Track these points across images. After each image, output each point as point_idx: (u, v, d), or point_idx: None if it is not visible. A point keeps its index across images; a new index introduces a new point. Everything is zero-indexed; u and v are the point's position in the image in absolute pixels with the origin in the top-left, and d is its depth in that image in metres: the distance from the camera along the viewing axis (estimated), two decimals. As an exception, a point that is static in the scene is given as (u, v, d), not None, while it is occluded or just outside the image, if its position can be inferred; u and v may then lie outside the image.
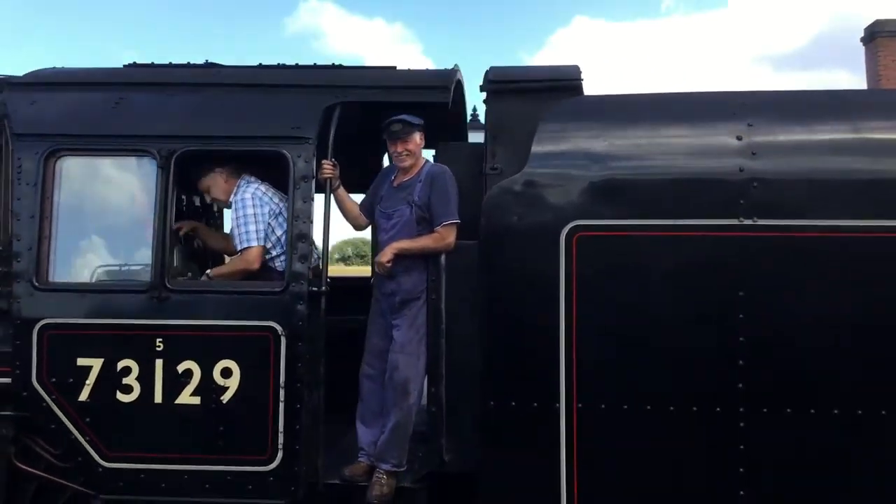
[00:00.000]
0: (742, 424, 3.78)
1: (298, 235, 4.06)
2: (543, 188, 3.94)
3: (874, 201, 3.75)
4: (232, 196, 4.21)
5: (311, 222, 4.08)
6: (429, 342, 4.04)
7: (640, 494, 3.87)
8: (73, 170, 4.20)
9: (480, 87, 4.37)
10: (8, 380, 4.07)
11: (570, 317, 3.85)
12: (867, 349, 3.74)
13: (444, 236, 4.03)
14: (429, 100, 4.34)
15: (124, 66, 4.80)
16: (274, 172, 4.24)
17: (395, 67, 4.73)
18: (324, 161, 4.14)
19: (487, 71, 4.45)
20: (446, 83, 4.42)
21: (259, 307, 4.04)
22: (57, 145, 4.18)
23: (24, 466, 4.20)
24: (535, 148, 4.00)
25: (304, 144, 4.10)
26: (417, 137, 4.19)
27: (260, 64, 4.69)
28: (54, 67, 4.70)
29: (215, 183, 4.29)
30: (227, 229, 4.96)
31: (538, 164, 3.97)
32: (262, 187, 4.24)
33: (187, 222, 4.60)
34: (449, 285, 4.06)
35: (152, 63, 4.75)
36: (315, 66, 4.63)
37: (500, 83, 4.41)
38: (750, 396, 3.78)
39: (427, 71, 4.64)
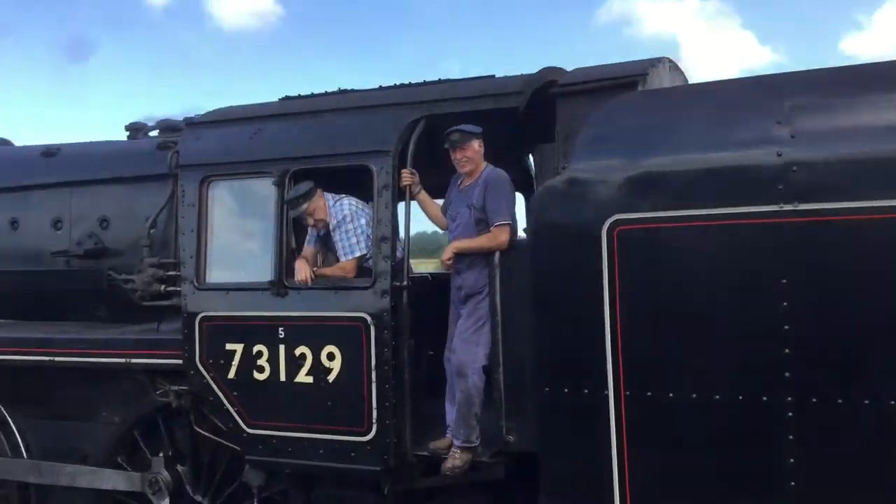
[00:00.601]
0: (790, 414, 3.72)
1: (382, 238, 4.64)
2: (584, 185, 4.14)
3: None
4: (327, 212, 4.87)
5: (392, 226, 4.65)
6: (491, 332, 4.43)
7: (686, 479, 3.96)
8: (219, 192, 5.16)
9: (550, 92, 4.63)
10: (181, 361, 5.18)
11: (614, 309, 4.03)
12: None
13: (497, 236, 4.38)
14: (501, 106, 4.69)
15: (279, 99, 5.69)
16: (359, 185, 4.88)
17: (493, 76, 5.10)
18: (403, 170, 4.67)
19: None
20: (521, 88, 4.73)
21: (353, 301, 4.70)
22: (208, 172, 5.18)
23: (200, 430, 5.30)
24: (577, 146, 4.20)
25: (385, 157, 4.68)
26: (476, 145, 4.55)
27: (380, 86, 5.33)
28: (230, 106, 5.74)
29: (318, 206, 4.95)
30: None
31: (579, 161, 4.18)
32: (352, 200, 4.87)
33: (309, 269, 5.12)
34: (508, 280, 4.41)
35: (298, 94, 5.59)
36: (411, 85, 5.15)
37: (564, 86, 4.63)
38: (797, 386, 3.70)
39: (508, 78, 4.96)
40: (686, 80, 5.25)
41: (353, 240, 4.74)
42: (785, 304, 3.72)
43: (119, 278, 5.72)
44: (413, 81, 5.24)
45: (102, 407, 5.93)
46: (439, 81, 5.12)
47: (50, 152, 6.42)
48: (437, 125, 4.78)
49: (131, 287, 5.58)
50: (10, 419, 6.29)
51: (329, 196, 4.89)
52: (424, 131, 4.76)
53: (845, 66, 4.33)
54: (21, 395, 6.22)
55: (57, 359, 5.68)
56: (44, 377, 6.00)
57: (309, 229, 5.02)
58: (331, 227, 4.83)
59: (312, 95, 5.39)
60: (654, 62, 4.75)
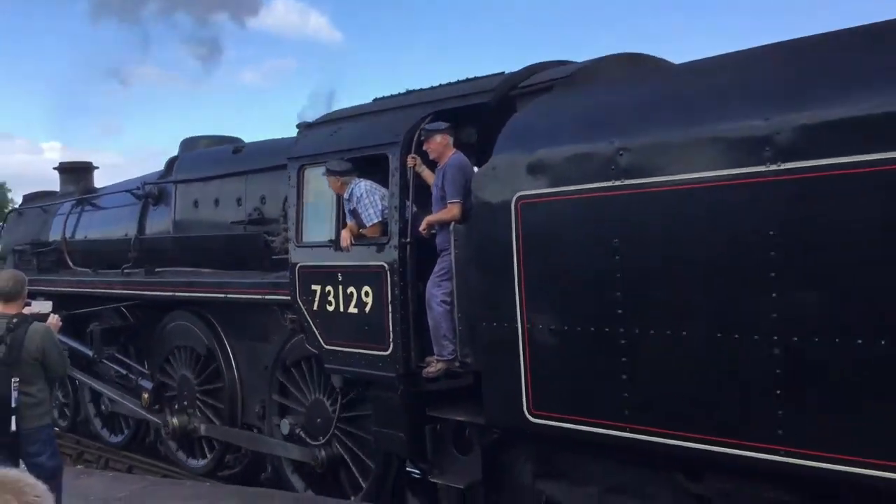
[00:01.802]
0: (623, 342, 4.86)
1: (394, 207, 6.34)
2: (501, 170, 5.49)
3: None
4: (348, 192, 6.62)
5: (401, 198, 6.32)
6: (451, 280, 5.96)
7: (566, 379, 5.21)
8: (309, 177, 7.18)
9: (509, 94, 5.98)
10: (289, 297, 7.32)
11: (520, 264, 5.38)
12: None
13: (450, 210, 5.87)
14: (470, 104, 6.15)
15: (373, 99, 7.56)
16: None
17: (502, 73, 6.51)
18: (408, 156, 6.29)
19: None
20: (487, 89, 6.14)
21: (377, 254, 6.47)
22: (304, 162, 7.22)
23: (309, 347, 7.41)
24: (499, 140, 5.56)
25: (395, 147, 6.36)
26: (438, 138, 6.03)
27: (407, 90, 6.99)
28: (342, 108, 7.73)
29: (342, 182, 6.69)
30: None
31: (499, 152, 5.54)
32: (367, 183, 6.55)
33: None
34: (465, 243, 5.86)
35: (391, 94, 7.39)
36: (423, 90, 6.74)
37: (520, 87, 5.96)
38: (627, 320, 4.84)
39: (487, 78, 6.35)
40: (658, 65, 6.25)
41: (370, 211, 6.48)
42: (617, 257, 4.87)
43: (269, 239, 8.04)
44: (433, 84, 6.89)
45: (270, 331, 8.35)
46: (446, 84, 6.68)
47: (237, 149, 8.97)
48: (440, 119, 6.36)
49: (273, 246, 7.87)
50: (226, 341, 8.99)
51: (356, 180, 6.66)
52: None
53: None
54: (230, 324, 8.86)
55: (229, 296, 8.19)
56: (236, 309, 8.56)
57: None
58: (353, 204, 6.60)
59: (379, 99, 7.20)
60: (594, 63, 5.92)
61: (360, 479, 7.36)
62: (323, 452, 7.37)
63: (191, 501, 7.41)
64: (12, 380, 5.25)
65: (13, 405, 5.23)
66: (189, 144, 10.36)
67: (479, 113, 6.18)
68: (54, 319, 5.74)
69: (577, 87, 5.70)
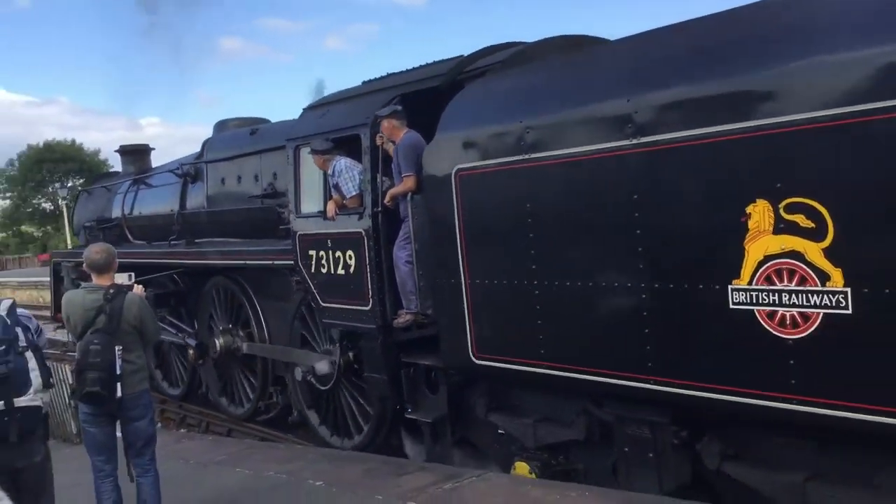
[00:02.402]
0: (536, 292, 5.67)
1: (368, 181, 7.22)
2: (443, 146, 6.31)
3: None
4: (330, 168, 7.52)
5: (372, 173, 7.19)
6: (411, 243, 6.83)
7: (496, 322, 6.06)
8: (303, 155, 8.12)
9: (457, 78, 6.76)
10: (291, 262, 8.32)
11: (461, 227, 6.21)
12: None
13: (405, 183, 6.71)
14: (428, 86, 6.96)
15: (362, 82, 8.43)
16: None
17: (461, 56, 7.28)
18: (376, 135, 7.15)
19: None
20: (437, 74, 6.94)
21: (356, 222, 7.38)
22: (298, 142, 8.17)
23: (312, 304, 8.42)
24: (441, 119, 6.37)
25: (366, 128, 7.22)
26: (385, 123, 6.86)
27: (388, 73, 7.82)
28: (334, 92, 8.64)
29: (324, 160, 7.61)
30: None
31: (441, 131, 6.35)
32: (346, 160, 7.44)
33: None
34: (421, 212, 6.70)
35: (374, 78, 8.25)
36: (393, 74, 7.57)
37: (466, 72, 6.74)
38: (538, 273, 5.64)
39: (443, 61, 7.14)
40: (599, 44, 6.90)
41: (349, 185, 7.38)
42: (529, 220, 5.66)
43: (280, 211, 9.06)
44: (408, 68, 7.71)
45: (289, 292, 9.39)
46: (410, 70, 7.50)
47: (253, 131, 9.99)
48: (408, 100, 7.20)
49: (283, 216, 8.89)
50: (256, 302, 10.10)
51: (337, 158, 7.56)
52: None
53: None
54: (258, 287, 9.96)
55: (248, 262, 9.28)
56: (260, 274, 9.65)
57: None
58: (335, 179, 7.51)
59: (366, 82, 8.07)
60: (532, 46, 6.65)
61: (362, 423, 8.38)
62: (341, 360, 8.25)
63: (284, 464, 7.57)
64: (116, 347, 5.35)
65: (117, 372, 5.33)
66: (220, 126, 11.47)
67: (434, 95, 6.98)
68: (139, 289, 5.83)
69: (505, 71, 6.45)
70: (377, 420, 8.11)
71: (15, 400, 4.52)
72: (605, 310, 5.25)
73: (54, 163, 69.61)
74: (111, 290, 5.47)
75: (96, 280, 5.58)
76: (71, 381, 5.75)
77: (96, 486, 5.57)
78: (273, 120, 11.13)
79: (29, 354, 4.66)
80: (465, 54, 7.27)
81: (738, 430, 4.96)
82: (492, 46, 7.27)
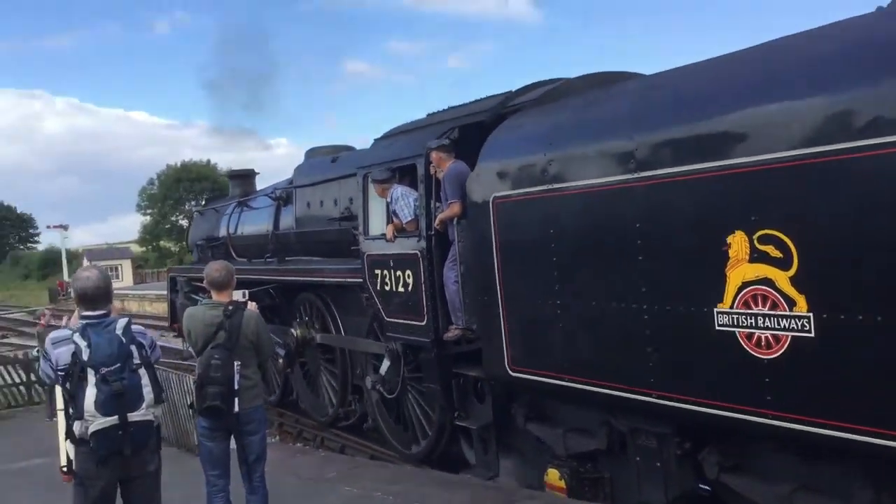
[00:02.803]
0: (558, 312, 6.13)
1: (422, 207, 7.84)
2: (483, 175, 6.85)
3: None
4: (389, 195, 8.16)
5: (426, 199, 7.80)
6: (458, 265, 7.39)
7: (530, 338, 6.54)
8: (371, 183, 8.82)
9: (498, 113, 7.30)
10: (360, 280, 9.02)
11: (497, 251, 6.74)
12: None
13: (451, 209, 7.27)
14: (476, 120, 7.52)
15: (427, 114, 9.08)
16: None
17: (509, 91, 7.83)
18: (430, 165, 7.75)
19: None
20: (485, 108, 7.49)
21: (413, 244, 8.00)
22: (365, 171, 8.88)
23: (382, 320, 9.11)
24: (482, 152, 6.92)
25: (422, 158, 7.85)
26: (433, 155, 7.45)
27: (449, 106, 8.43)
28: (401, 124, 9.33)
29: (384, 188, 8.27)
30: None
31: (482, 161, 6.89)
32: (402, 188, 8.07)
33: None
34: (468, 235, 7.24)
35: (439, 110, 8.89)
36: (448, 108, 8.16)
37: (508, 106, 7.28)
38: (560, 293, 6.10)
39: (491, 97, 7.69)
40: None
41: (405, 210, 8.01)
42: (553, 245, 6.13)
43: (355, 233, 9.80)
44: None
45: (363, 310, 10.11)
46: (464, 104, 8.09)
47: (334, 159, 10.80)
48: (462, 132, 7.79)
49: (357, 238, 9.62)
50: (337, 316, 10.88)
51: (394, 186, 8.21)
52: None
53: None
54: (339, 302, 10.74)
55: (325, 280, 10.07)
56: (339, 291, 10.42)
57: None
58: (393, 205, 8.16)
59: (431, 114, 8.72)
60: (566, 84, 7.12)
61: (428, 429, 8.98)
62: (397, 346, 8.78)
63: (392, 484, 7.62)
64: (235, 363, 5.46)
65: (235, 387, 5.44)
66: (310, 153, 12.38)
67: (482, 127, 7.54)
68: (252, 306, 5.98)
69: (537, 107, 6.95)
70: (439, 427, 8.68)
71: (129, 415, 4.60)
72: (614, 329, 5.67)
73: (190, 182, 74.08)
74: (230, 307, 5.62)
75: (216, 297, 5.76)
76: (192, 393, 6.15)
77: (209, 499, 5.74)
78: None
79: (142, 371, 4.72)
80: (514, 89, 7.84)
81: (734, 443, 5.28)
82: (537, 82, 7.79)
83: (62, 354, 4.63)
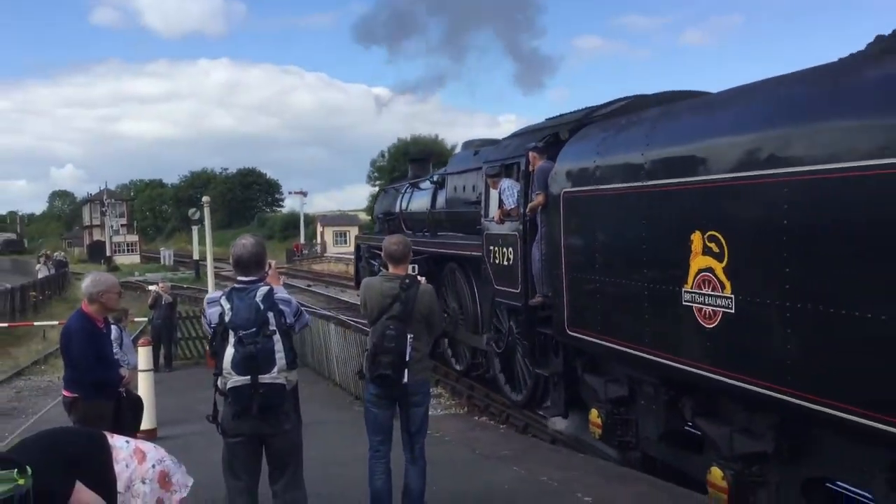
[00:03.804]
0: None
1: (521, 196, 9.51)
2: (558, 174, 8.43)
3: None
4: (499, 187, 9.85)
5: (525, 191, 9.47)
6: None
7: (576, 306, 8.10)
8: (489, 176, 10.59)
9: (569, 128, 8.83)
10: (480, 253, 10.84)
11: (564, 240, 8.32)
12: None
13: (538, 199, 8.84)
14: (552, 133, 9.08)
15: (545, 119, 10.71)
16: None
17: (591, 106, 9.32)
18: (528, 163, 9.40)
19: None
20: (569, 121, 9.02)
21: (514, 225, 9.71)
22: (487, 165, 10.65)
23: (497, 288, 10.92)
24: (559, 156, 8.49)
25: (522, 157, 9.51)
26: (530, 155, 9.06)
27: (546, 118, 10.00)
28: (524, 127, 11.01)
29: (495, 181, 9.97)
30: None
31: (559, 163, 8.47)
32: (509, 181, 9.74)
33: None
34: (545, 222, 8.85)
35: (548, 119, 10.52)
36: (546, 120, 9.73)
37: (575, 121, 8.79)
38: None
39: (576, 111, 9.20)
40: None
41: (510, 199, 9.70)
42: (597, 233, 7.64)
43: (479, 215, 11.62)
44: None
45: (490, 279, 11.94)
46: (558, 115, 9.64)
47: (476, 152, 12.64)
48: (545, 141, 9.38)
49: (480, 219, 11.45)
50: (474, 283, 12.78)
51: (503, 178, 9.91)
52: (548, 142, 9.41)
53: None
54: (476, 272, 12.62)
55: (455, 252, 11.98)
56: (475, 262, 12.30)
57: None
58: (500, 194, 9.86)
59: (552, 118, 10.37)
60: (627, 102, 8.53)
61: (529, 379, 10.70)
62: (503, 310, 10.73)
63: (559, 470, 7.68)
64: (408, 335, 5.54)
65: (407, 358, 5.50)
66: (466, 145, 14.32)
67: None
68: (423, 280, 5.96)
69: (601, 123, 8.41)
70: (535, 377, 10.40)
71: (260, 377, 4.70)
72: (627, 301, 7.15)
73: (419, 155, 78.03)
74: (407, 280, 5.71)
75: (392, 269, 5.84)
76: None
77: (370, 464, 5.84)
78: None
79: (276, 338, 4.78)
80: (598, 103, 9.33)
81: (702, 393, 6.62)
82: (617, 99, 9.21)
83: (213, 314, 4.91)
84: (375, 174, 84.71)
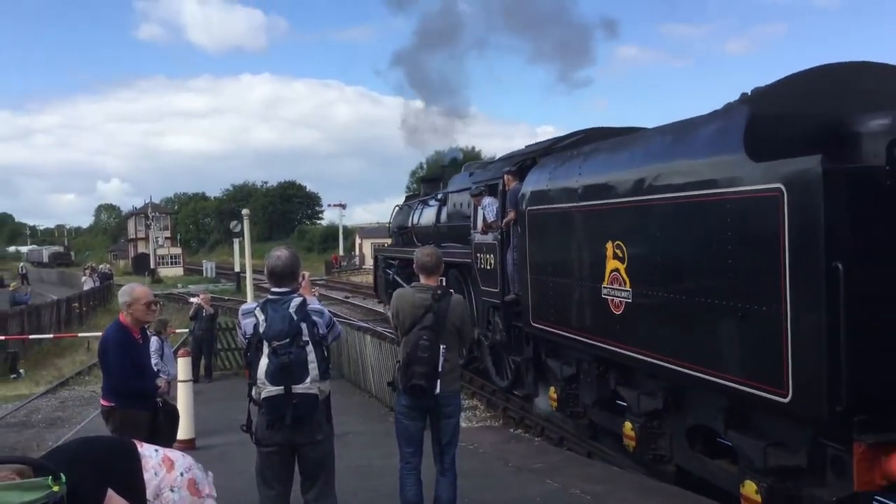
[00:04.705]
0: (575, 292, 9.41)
1: (499, 211, 11.28)
2: (518, 193, 10.20)
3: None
4: (481, 203, 11.62)
5: (503, 205, 11.23)
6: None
7: (537, 300, 9.82)
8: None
9: (545, 150, 10.60)
10: (470, 260, 12.61)
11: (527, 245, 10.08)
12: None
13: (510, 215, 10.64)
14: (531, 158, 10.83)
15: (525, 146, 12.49)
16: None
17: (555, 137, 11.06)
18: (506, 181, 11.15)
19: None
20: (538, 150, 10.78)
21: (494, 235, 11.46)
22: (475, 185, 12.43)
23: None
24: (526, 178, 10.27)
25: (500, 179, 11.28)
26: (505, 177, 10.81)
27: (527, 145, 11.77)
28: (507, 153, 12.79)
29: (476, 200, 11.75)
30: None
31: (525, 185, 10.23)
32: (489, 198, 11.51)
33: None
34: (516, 233, 10.63)
35: (526, 146, 12.28)
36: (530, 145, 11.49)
37: (547, 151, 10.57)
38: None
39: (544, 140, 10.96)
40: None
41: (490, 214, 11.45)
42: (546, 242, 9.38)
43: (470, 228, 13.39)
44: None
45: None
46: (536, 143, 11.41)
47: (471, 174, 14.41)
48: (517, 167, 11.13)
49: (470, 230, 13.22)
50: (470, 287, 14.54)
51: (485, 196, 11.68)
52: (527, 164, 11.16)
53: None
54: (470, 276, 14.37)
55: (454, 259, 13.76)
56: (468, 268, 14.07)
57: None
58: (483, 210, 11.63)
59: (527, 146, 12.14)
60: (576, 136, 10.29)
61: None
62: (487, 307, 12.48)
63: (593, 484, 7.47)
64: (441, 345, 5.46)
65: (439, 369, 5.42)
66: (466, 167, 16.14)
67: (534, 161, 10.85)
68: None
69: (556, 153, 10.15)
70: (516, 364, 12.12)
71: (293, 387, 4.66)
72: (567, 296, 8.88)
73: (456, 167, 78.70)
74: (439, 291, 5.67)
75: (424, 280, 5.78)
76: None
77: (401, 474, 5.76)
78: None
79: (310, 348, 4.75)
80: (563, 134, 11.09)
81: (620, 367, 8.31)
82: (576, 131, 10.95)
83: (247, 325, 4.88)
84: (414, 186, 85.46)
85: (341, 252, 74.14)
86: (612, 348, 7.88)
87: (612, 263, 7.76)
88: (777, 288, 5.23)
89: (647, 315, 7.15)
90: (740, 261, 5.71)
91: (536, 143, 11.92)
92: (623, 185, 7.50)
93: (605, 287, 7.91)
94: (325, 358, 4.86)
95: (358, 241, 78.38)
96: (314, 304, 4.98)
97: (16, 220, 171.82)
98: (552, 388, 9.98)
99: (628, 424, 7.87)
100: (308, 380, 4.70)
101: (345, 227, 78.88)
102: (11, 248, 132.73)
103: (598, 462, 8.97)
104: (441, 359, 5.44)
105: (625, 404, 8.44)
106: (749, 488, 5.86)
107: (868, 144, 5.36)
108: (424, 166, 79.99)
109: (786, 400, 5.23)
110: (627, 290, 7.46)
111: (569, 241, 8.86)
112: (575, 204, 8.58)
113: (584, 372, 9.10)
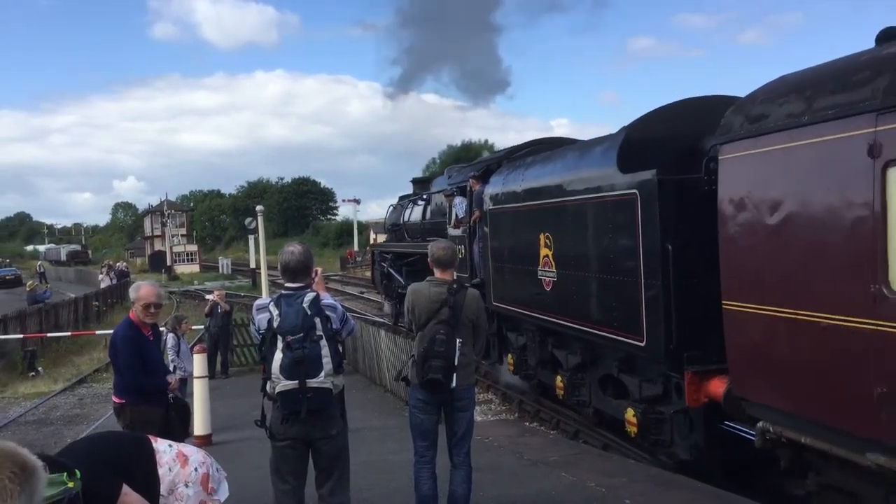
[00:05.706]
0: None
1: (467, 209, 13.18)
2: (481, 193, 12.10)
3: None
4: (454, 203, 13.51)
5: (471, 202, 13.15)
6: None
7: (498, 285, 11.73)
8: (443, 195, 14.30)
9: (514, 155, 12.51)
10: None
11: (488, 238, 11.99)
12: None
13: (475, 214, 12.56)
14: (496, 164, 12.74)
15: (497, 151, 14.35)
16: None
17: (515, 145, 12.95)
18: (473, 183, 13.04)
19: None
20: (501, 157, 12.70)
21: (464, 231, 13.38)
22: (452, 190, 14.35)
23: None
24: (489, 181, 12.19)
25: (468, 181, 13.18)
26: (471, 180, 12.71)
27: (496, 151, 13.64)
28: (481, 158, 14.66)
29: (447, 200, 13.65)
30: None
31: (489, 187, 12.15)
32: (460, 198, 13.40)
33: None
34: (481, 228, 12.54)
35: (494, 152, 14.15)
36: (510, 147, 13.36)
37: (507, 158, 12.47)
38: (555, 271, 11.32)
39: (508, 148, 12.88)
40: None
41: (461, 211, 13.35)
42: (498, 234, 11.28)
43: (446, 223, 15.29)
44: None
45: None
46: (503, 150, 13.30)
47: (450, 175, 16.32)
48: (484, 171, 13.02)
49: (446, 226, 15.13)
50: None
51: (456, 196, 13.57)
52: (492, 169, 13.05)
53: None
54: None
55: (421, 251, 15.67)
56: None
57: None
58: (455, 208, 13.52)
59: (493, 152, 14.02)
60: (529, 146, 12.20)
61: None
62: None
63: (607, 477, 7.28)
64: (457, 339, 5.36)
65: (455, 363, 5.33)
66: (448, 170, 18.00)
67: (498, 166, 12.73)
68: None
69: (512, 160, 12.04)
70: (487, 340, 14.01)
71: (307, 381, 4.62)
72: (517, 278, 10.79)
73: (469, 160, 78.04)
74: (454, 285, 5.57)
75: (439, 274, 5.66)
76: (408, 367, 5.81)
77: (416, 468, 5.67)
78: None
79: (323, 342, 4.69)
80: (523, 142, 12.98)
81: (554, 334, 10.20)
82: (534, 140, 12.86)
83: (262, 320, 4.81)
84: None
85: (356, 247, 72.70)
86: (547, 318, 9.80)
87: (543, 251, 9.67)
88: (636, 263, 7.17)
89: (567, 290, 9.08)
90: (615, 246, 7.65)
91: (500, 151, 13.83)
92: (549, 190, 9.41)
93: (539, 269, 9.83)
94: (338, 353, 4.83)
95: (372, 235, 77.34)
96: (327, 299, 4.93)
97: (33, 219, 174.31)
98: (510, 356, 11.90)
99: (559, 378, 9.80)
100: (322, 374, 4.66)
101: (359, 223, 78.47)
102: (29, 247, 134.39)
103: (614, 455, 8.81)
104: (457, 353, 5.38)
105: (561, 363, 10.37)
106: (629, 413, 7.80)
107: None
108: (437, 161, 79.22)
109: (642, 344, 7.16)
110: (553, 272, 9.37)
111: (517, 234, 10.76)
112: (520, 204, 10.49)
113: (530, 340, 11.02)
